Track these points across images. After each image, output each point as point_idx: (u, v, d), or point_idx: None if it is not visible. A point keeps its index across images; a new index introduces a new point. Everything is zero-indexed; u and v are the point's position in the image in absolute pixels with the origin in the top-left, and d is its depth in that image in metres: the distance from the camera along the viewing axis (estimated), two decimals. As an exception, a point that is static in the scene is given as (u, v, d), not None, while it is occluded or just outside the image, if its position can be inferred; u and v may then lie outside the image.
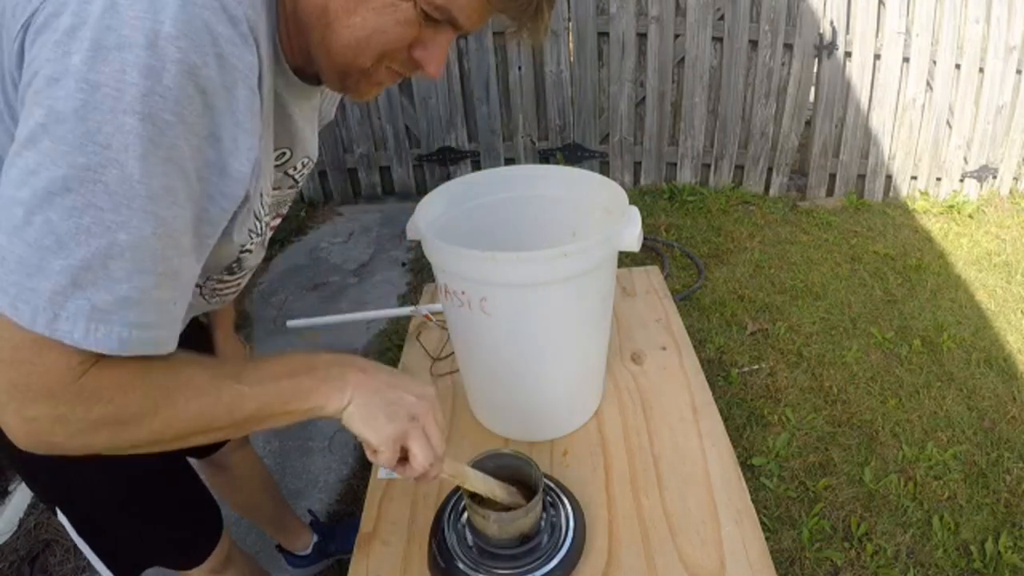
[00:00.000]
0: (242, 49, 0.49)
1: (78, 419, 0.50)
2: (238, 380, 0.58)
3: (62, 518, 0.93)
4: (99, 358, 0.50)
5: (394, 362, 1.34)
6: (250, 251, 0.70)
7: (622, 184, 3.12)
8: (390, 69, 0.63)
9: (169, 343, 0.53)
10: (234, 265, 0.71)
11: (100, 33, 0.44)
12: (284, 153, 0.73)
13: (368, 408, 0.62)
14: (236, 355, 1.18)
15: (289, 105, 0.67)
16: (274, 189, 0.74)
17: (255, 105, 0.52)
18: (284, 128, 0.69)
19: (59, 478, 0.88)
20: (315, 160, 0.81)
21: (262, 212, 0.65)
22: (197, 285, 0.72)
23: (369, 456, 0.66)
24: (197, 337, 1.16)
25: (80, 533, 0.94)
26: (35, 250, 0.45)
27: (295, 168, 0.77)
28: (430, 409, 0.66)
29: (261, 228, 0.68)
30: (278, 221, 0.83)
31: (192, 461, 1.16)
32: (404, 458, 0.67)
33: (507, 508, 0.83)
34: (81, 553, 1.66)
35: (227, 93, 0.49)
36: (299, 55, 0.63)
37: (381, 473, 1.06)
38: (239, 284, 0.82)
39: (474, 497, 0.82)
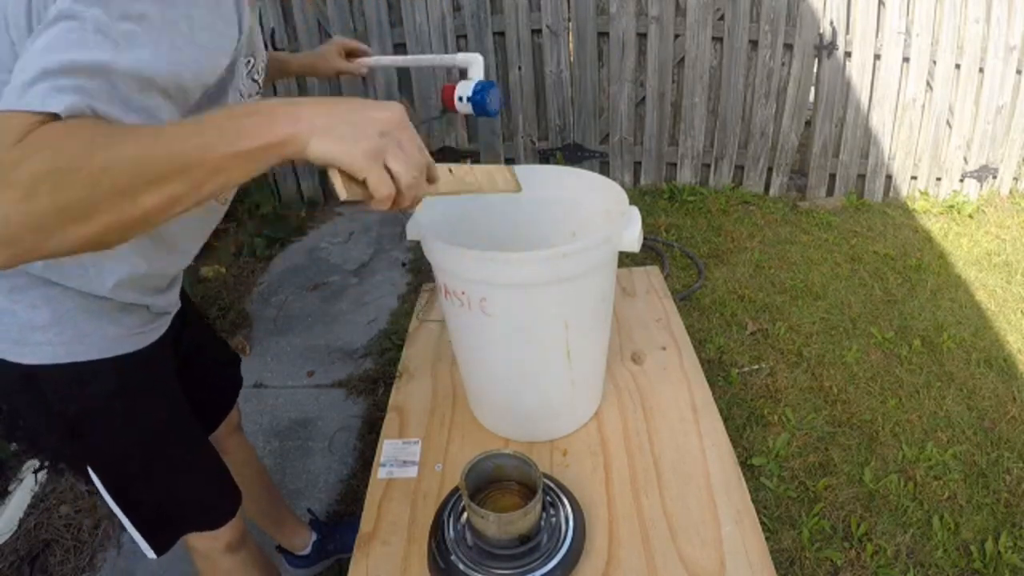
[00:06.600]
0: None
1: (18, 176, 0.48)
2: (179, 125, 0.56)
3: (97, 482, 0.94)
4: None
5: (394, 362, 1.34)
6: None
7: (622, 184, 3.11)
8: None
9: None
10: None
11: None
12: (249, 60, 0.83)
13: (334, 131, 0.58)
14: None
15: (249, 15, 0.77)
16: (249, 96, 0.86)
17: None
18: (248, 37, 0.78)
19: (93, 435, 0.91)
20: (266, 61, 0.93)
21: (244, 93, 0.80)
22: None
23: (366, 200, 0.63)
24: (194, 319, 1.19)
25: (115, 498, 0.96)
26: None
27: (257, 72, 0.87)
28: (400, 122, 0.62)
29: None
30: None
31: None
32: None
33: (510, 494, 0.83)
34: (81, 553, 1.67)
35: None
36: None
37: (381, 473, 1.06)
38: None
39: (474, 497, 0.82)
